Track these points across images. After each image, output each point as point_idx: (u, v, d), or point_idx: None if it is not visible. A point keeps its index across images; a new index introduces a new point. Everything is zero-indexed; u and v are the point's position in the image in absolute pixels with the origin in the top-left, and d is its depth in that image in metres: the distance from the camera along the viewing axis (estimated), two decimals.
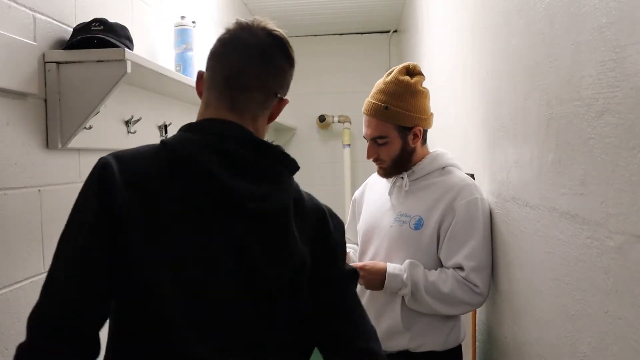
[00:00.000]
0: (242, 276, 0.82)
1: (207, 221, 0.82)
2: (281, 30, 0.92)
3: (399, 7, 3.75)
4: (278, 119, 0.96)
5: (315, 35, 4.35)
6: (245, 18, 0.92)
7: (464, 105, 1.76)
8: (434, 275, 1.37)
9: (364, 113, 1.48)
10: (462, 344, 1.49)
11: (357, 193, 1.71)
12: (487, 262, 1.38)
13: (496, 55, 1.34)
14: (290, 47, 0.93)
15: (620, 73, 0.70)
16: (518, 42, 1.14)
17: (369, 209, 1.59)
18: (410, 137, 1.45)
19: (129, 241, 0.78)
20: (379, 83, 1.49)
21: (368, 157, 1.50)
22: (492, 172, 1.42)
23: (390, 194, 1.52)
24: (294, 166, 0.90)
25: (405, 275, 1.36)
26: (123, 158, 0.83)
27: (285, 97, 0.94)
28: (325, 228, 0.93)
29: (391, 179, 1.53)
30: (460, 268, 1.36)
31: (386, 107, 1.42)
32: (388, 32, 4.29)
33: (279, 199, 0.86)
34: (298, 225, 0.89)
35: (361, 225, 1.60)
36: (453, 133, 1.99)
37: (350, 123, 4.21)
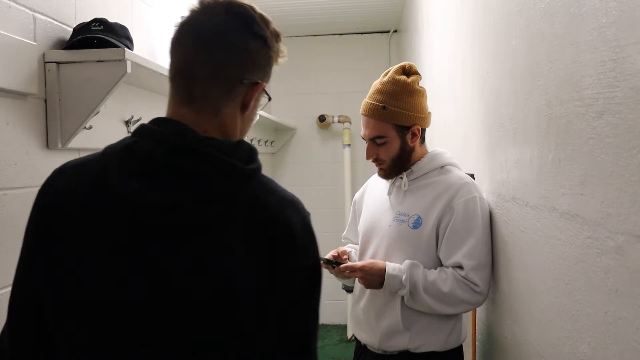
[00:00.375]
0: (156, 293, 0.71)
1: (114, 238, 0.72)
2: (248, 4, 0.80)
3: (399, 7, 3.75)
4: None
5: (315, 35, 4.35)
6: None
7: (464, 105, 1.76)
8: (433, 274, 1.37)
9: (362, 114, 1.48)
10: (463, 345, 1.49)
11: (357, 194, 1.71)
12: (486, 260, 1.38)
13: (496, 55, 1.34)
14: (259, 22, 0.80)
15: (620, 73, 0.70)
16: (518, 42, 1.14)
17: (368, 210, 1.60)
18: (409, 136, 1.46)
19: (38, 261, 0.76)
20: (376, 83, 1.49)
21: (367, 157, 1.50)
22: (492, 172, 1.42)
23: (389, 193, 1.52)
24: (231, 170, 0.74)
25: (404, 277, 1.36)
26: (63, 169, 0.79)
27: (260, 82, 0.81)
28: (284, 247, 0.75)
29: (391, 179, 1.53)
30: (460, 267, 1.36)
31: (384, 107, 1.42)
32: (388, 32, 4.29)
33: (204, 209, 0.72)
34: (244, 237, 0.74)
35: (361, 226, 1.60)
36: (453, 133, 1.99)
37: (350, 123, 4.22)
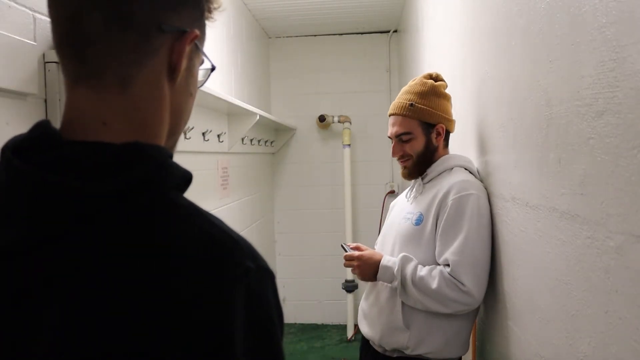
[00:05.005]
0: None
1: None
2: None
3: (399, 7, 3.75)
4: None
5: (315, 35, 4.35)
6: None
7: (464, 105, 1.76)
8: (424, 271, 1.40)
9: (390, 114, 1.57)
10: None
11: (392, 203, 1.80)
12: (477, 259, 1.37)
13: (496, 55, 1.34)
14: None
15: (620, 73, 0.70)
16: (518, 42, 1.14)
17: (390, 214, 1.70)
18: (434, 134, 1.54)
19: None
20: (404, 87, 1.59)
21: (393, 155, 1.57)
22: (492, 172, 1.42)
23: (407, 196, 1.62)
24: (122, 184, 0.47)
25: (395, 269, 1.41)
26: None
27: (188, 29, 0.54)
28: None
29: (411, 182, 1.63)
30: (448, 264, 1.38)
31: (411, 104, 1.52)
32: (388, 32, 4.29)
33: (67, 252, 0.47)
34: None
35: (382, 229, 1.69)
36: (453, 133, 1.99)
37: (350, 123, 4.21)
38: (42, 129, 0.52)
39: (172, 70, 0.55)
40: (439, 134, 1.54)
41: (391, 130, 1.57)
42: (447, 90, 1.62)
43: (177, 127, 0.59)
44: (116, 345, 0.44)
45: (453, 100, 1.90)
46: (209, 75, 0.63)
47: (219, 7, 0.59)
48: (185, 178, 0.54)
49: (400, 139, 1.54)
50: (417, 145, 1.53)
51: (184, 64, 0.55)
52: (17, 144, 0.51)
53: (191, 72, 0.58)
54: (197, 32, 0.55)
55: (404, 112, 1.52)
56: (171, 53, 0.54)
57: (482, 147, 1.54)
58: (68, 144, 0.51)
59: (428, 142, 1.53)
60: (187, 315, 0.45)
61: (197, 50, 0.58)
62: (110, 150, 0.49)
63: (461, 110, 1.82)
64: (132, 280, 0.46)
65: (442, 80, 1.60)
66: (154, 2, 0.52)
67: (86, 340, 0.45)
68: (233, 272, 0.48)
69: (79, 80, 0.52)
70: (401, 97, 1.57)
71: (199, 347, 0.45)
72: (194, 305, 0.46)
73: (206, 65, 0.61)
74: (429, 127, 1.53)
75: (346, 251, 1.56)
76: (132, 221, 0.48)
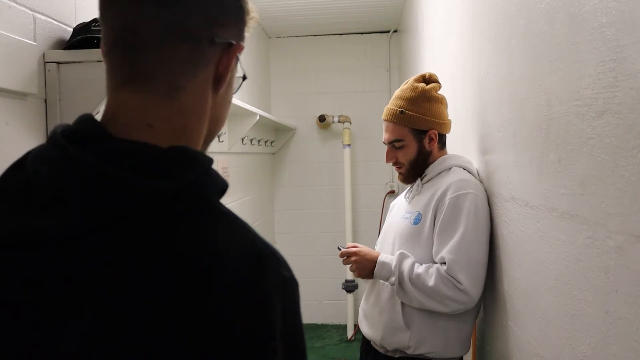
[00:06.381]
0: None
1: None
2: None
3: (399, 7, 3.75)
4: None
5: (315, 35, 4.35)
6: None
7: (464, 105, 1.76)
8: (421, 268, 1.40)
9: (383, 119, 1.57)
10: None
11: (392, 203, 1.80)
12: (473, 258, 1.37)
13: (496, 55, 1.34)
14: None
15: (620, 73, 0.70)
16: (518, 42, 1.14)
17: (390, 214, 1.70)
18: (426, 140, 1.53)
19: None
20: (397, 91, 1.58)
21: (387, 161, 1.58)
22: (492, 172, 1.42)
23: (406, 196, 1.62)
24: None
25: (393, 265, 1.42)
26: None
27: (235, 42, 0.57)
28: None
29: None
30: (445, 262, 1.38)
31: (402, 112, 1.51)
32: (388, 32, 4.29)
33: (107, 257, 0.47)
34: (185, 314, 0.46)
35: (382, 229, 1.70)
36: (453, 133, 1.99)
37: (350, 123, 4.21)
38: (91, 122, 0.54)
39: (217, 81, 0.57)
40: (431, 139, 1.53)
41: (384, 136, 1.57)
42: (445, 91, 1.61)
43: (213, 134, 0.61)
44: (150, 347, 0.45)
45: (453, 100, 1.90)
46: (241, 84, 0.65)
47: (253, 18, 0.61)
48: (223, 186, 0.56)
49: (393, 146, 1.55)
50: (410, 152, 1.53)
51: (227, 78, 0.58)
52: (66, 133, 0.52)
53: (230, 82, 0.60)
54: (243, 44, 0.58)
55: (395, 120, 1.52)
56: (218, 64, 0.57)
57: (482, 147, 1.54)
58: (119, 139, 0.52)
59: (420, 149, 1.53)
60: (230, 322, 0.47)
61: (237, 62, 0.60)
62: (162, 151, 0.51)
63: (461, 110, 1.82)
64: (175, 283, 0.46)
65: (435, 81, 1.57)
66: (207, 16, 0.55)
67: (118, 337, 0.45)
68: (274, 280, 0.51)
69: (125, 83, 0.54)
70: (392, 102, 1.56)
71: (244, 353, 0.47)
72: (237, 313, 0.47)
73: (238, 73, 0.63)
74: (420, 133, 1.52)
75: (340, 249, 1.57)
76: (182, 223, 0.49)
